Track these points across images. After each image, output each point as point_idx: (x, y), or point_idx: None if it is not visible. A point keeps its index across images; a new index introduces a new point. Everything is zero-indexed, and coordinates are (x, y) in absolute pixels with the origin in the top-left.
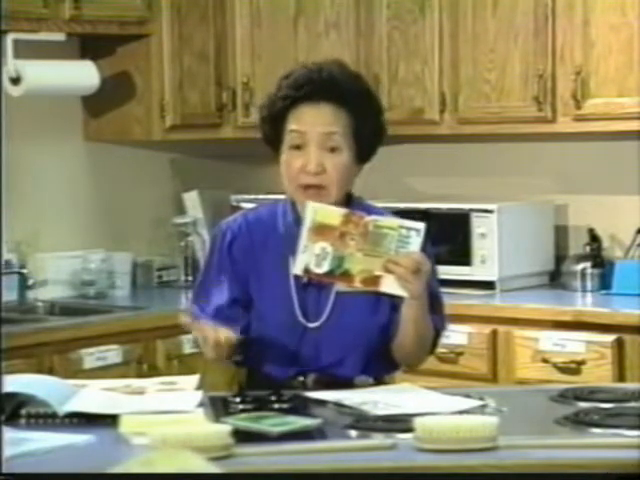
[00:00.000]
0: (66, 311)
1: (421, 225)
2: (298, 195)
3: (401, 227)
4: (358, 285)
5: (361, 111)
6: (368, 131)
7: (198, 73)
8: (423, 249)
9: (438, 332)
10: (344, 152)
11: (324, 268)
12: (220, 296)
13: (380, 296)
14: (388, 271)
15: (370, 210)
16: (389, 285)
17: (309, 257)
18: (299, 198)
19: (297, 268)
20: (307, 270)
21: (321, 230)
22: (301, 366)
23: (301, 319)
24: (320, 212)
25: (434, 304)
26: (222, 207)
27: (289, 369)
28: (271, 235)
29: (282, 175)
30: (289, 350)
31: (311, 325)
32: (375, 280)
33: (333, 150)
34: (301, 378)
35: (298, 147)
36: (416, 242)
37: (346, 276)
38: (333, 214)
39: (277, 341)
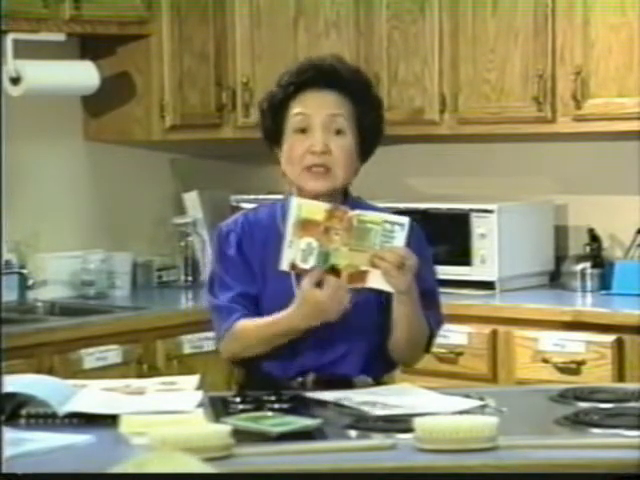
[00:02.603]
0: (66, 311)
1: (405, 219)
2: (304, 178)
3: (385, 222)
4: (345, 280)
5: (363, 101)
6: (369, 121)
7: (198, 73)
8: (409, 244)
9: (433, 331)
10: (348, 135)
11: (310, 263)
12: (234, 290)
13: (380, 294)
14: (374, 266)
15: (365, 208)
16: (376, 280)
17: (295, 252)
18: (305, 181)
19: (283, 264)
20: (293, 266)
21: (306, 225)
22: (301, 365)
23: None
24: (304, 207)
25: (430, 302)
26: (222, 207)
27: (289, 368)
28: (271, 235)
29: (284, 162)
30: (290, 350)
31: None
32: (362, 275)
33: (338, 132)
34: (300, 378)
35: (303, 130)
36: (400, 237)
37: (333, 271)
38: (317, 209)
39: None
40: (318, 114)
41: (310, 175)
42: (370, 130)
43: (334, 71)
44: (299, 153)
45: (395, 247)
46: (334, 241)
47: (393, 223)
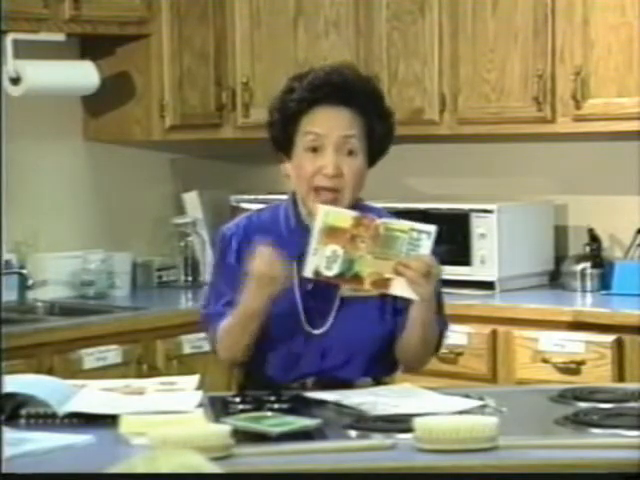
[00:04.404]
0: (66, 311)
1: (432, 228)
2: (311, 198)
3: (412, 230)
4: (368, 287)
5: (376, 114)
6: (381, 134)
7: (198, 73)
8: (433, 252)
9: (442, 332)
10: (360, 156)
11: (334, 271)
12: (228, 297)
13: (384, 302)
14: (398, 274)
15: (373, 212)
16: (399, 288)
17: (319, 259)
18: (312, 201)
19: (307, 270)
20: (317, 272)
21: (332, 233)
22: (303, 371)
23: (305, 325)
24: (331, 215)
25: (437, 304)
26: (222, 207)
27: (291, 373)
28: (274, 239)
29: (293, 177)
30: (292, 355)
31: (315, 331)
32: (385, 283)
33: (350, 154)
34: (301, 381)
35: (314, 149)
36: (426, 245)
37: (356, 279)
38: (344, 217)
39: (280, 346)
40: (331, 135)
41: (317, 197)
42: (381, 142)
43: (348, 86)
44: (309, 172)
45: (421, 255)
46: (360, 249)
47: (420, 231)
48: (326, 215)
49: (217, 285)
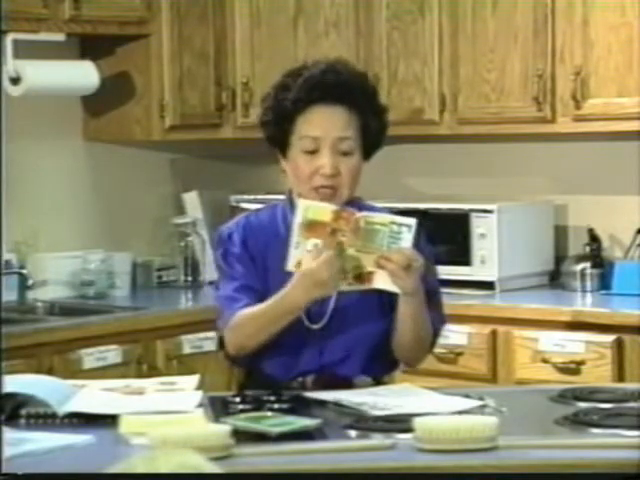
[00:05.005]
0: (66, 311)
1: (412, 221)
2: (310, 197)
3: (392, 223)
4: (351, 281)
5: (370, 111)
6: (375, 130)
7: (198, 73)
8: (416, 245)
9: (437, 330)
10: (355, 155)
11: None
12: (239, 282)
13: (382, 297)
14: (380, 267)
15: (367, 210)
16: (382, 281)
17: (301, 253)
18: (313, 199)
19: (289, 264)
20: (299, 266)
21: (313, 227)
22: (302, 367)
23: (304, 320)
24: (311, 209)
25: (432, 302)
26: (222, 207)
27: (291, 370)
28: (273, 238)
29: (290, 176)
30: (291, 351)
31: (314, 326)
32: (368, 276)
33: (346, 154)
34: (300, 379)
35: (311, 152)
36: (407, 238)
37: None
38: (324, 211)
39: (279, 342)
40: (327, 137)
41: (317, 195)
42: (375, 137)
43: (342, 84)
44: (307, 173)
45: (402, 248)
46: (341, 242)
47: (400, 224)
48: (306, 209)
49: (226, 270)
